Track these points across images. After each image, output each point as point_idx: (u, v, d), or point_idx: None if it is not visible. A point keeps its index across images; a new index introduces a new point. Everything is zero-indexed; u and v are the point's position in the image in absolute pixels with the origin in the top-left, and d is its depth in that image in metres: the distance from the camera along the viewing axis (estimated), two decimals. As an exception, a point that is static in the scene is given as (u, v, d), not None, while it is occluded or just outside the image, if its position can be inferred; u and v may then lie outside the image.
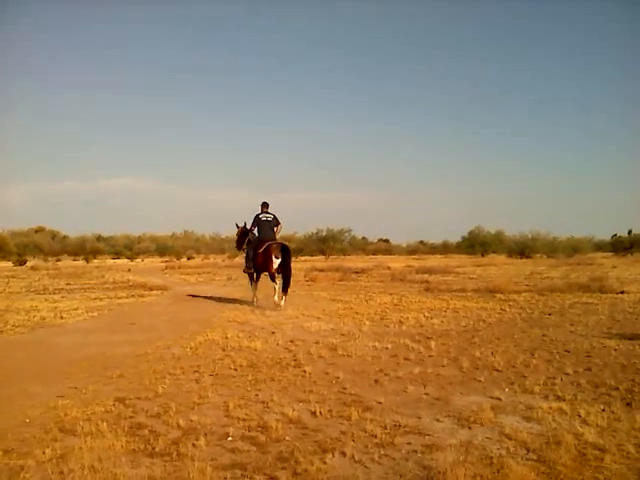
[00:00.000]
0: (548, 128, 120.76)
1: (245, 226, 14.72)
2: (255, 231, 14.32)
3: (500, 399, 5.43)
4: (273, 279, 13.58)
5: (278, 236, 14.40)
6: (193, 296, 17.20)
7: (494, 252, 60.78)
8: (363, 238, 79.84)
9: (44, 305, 14.21)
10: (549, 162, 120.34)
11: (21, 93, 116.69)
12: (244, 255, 14.92)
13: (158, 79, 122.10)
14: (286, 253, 13.64)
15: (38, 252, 58.57)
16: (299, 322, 10.79)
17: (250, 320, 11.17)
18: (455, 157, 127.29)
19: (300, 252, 65.77)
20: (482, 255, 58.55)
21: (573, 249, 53.66)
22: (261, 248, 13.61)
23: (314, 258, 59.01)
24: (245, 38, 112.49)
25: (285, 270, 13.64)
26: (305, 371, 6.67)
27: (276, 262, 13.42)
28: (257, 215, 14.11)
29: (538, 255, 54.12)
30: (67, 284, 22.76)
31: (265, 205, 14.20)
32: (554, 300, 14.29)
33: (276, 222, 14.11)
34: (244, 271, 14.87)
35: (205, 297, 16.73)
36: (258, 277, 14.37)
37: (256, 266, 13.99)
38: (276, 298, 13.34)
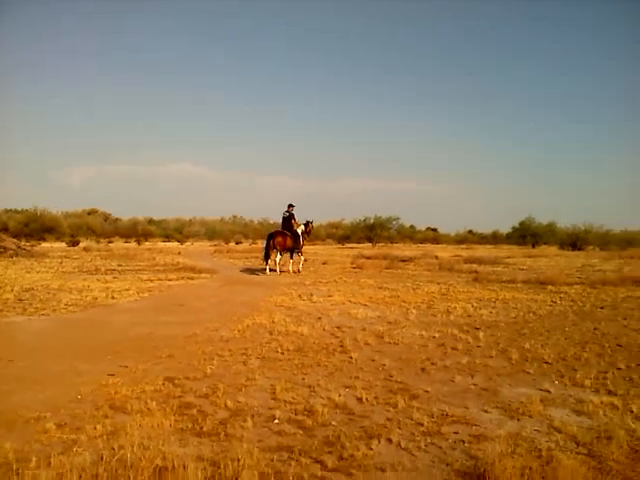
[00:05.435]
0: (604, 119, 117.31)
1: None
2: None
3: (550, 392, 5.36)
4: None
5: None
6: (241, 280, 17.38)
7: (545, 243, 59.50)
8: (411, 226, 79.34)
9: (96, 285, 14.54)
10: (604, 153, 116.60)
11: (76, 80, 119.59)
12: None
13: (217, 69, 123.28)
14: (269, 238, 20.22)
15: (91, 233, 60.07)
16: (345, 308, 10.80)
17: (297, 305, 11.23)
18: (507, 146, 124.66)
19: (347, 239, 65.80)
20: (533, 246, 57.36)
21: (627, 242, 52.21)
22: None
23: (361, 245, 58.89)
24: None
25: (266, 249, 20.37)
26: (351, 357, 6.69)
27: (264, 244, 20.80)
28: (283, 212, 21.01)
29: (590, 247, 52.85)
30: (119, 265, 23.22)
31: (289, 206, 20.85)
32: (606, 293, 13.95)
33: (291, 218, 20.60)
34: None
35: (252, 282, 16.91)
36: (271, 254, 20.42)
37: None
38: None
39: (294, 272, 20.34)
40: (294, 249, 20.79)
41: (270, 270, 20.11)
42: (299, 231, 20.86)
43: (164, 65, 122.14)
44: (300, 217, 21.13)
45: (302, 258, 21.36)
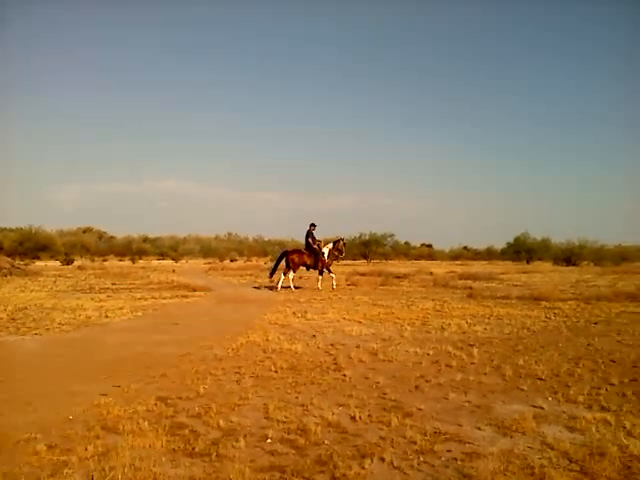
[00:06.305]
0: (598, 132, 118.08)
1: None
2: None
3: (543, 408, 5.34)
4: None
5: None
6: (235, 298, 17.37)
7: (540, 259, 59.75)
8: (406, 243, 79.52)
9: (90, 304, 14.51)
10: (597, 169, 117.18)
11: (73, 98, 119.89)
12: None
13: (206, 85, 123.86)
14: (282, 256, 21.47)
15: (85, 252, 59.95)
16: (340, 326, 10.78)
17: (291, 323, 11.22)
18: (501, 162, 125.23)
19: (342, 256, 65.63)
20: (527, 262, 57.61)
21: (621, 257, 52.48)
22: None
23: (356, 262, 58.94)
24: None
25: (275, 266, 21.57)
26: (345, 375, 6.67)
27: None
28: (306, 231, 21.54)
29: (585, 263, 53.09)
30: (113, 284, 23.21)
31: (310, 225, 21.28)
32: (600, 309, 13.96)
33: (308, 236, 21.14)
34: None
35: (247, 299, 16.90)
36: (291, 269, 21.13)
37: None
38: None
39: (332, 288, 20.81)
40: (314, 267, 21.44)
41: (282, 287, 20.50)
42: (325, 250, 21.43)
43: (149, 80, 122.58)
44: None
45: (320, 276, 21.60)
